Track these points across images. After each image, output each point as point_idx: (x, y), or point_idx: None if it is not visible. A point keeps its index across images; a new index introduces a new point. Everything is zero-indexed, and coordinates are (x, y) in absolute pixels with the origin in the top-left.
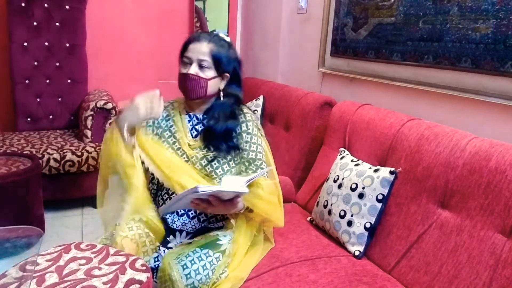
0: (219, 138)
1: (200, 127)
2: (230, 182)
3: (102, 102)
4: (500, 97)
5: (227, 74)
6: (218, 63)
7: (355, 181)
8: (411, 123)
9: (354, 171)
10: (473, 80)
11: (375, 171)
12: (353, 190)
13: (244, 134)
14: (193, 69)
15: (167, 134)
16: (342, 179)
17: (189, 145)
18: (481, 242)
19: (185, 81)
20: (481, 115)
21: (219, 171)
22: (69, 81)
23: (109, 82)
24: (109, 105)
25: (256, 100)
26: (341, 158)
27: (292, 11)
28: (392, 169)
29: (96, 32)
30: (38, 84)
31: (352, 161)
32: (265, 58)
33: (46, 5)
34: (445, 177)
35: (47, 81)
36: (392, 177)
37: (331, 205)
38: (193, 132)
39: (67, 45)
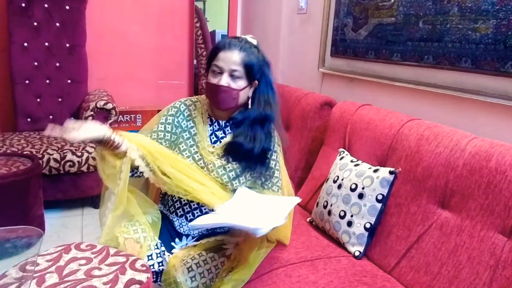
0: (253, 159)
1: (221, 134)
2: (267, 212)
3: (102, 102)
4: (500, 98)
5: (256, 81)
6: (250, 71)
7: (354, 181)
8: (411, 123)
9: (354, 171)
10: (473, 80)
11: (375, 171)
12: (352, 190)
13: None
14: (225, 80)
15: (186, 135)
16: (342, 179)
17: (208, 151)
18: (481, 243)
19: (216, 92)
20: (481, 115)
21: (235, 183)
22: (69, 81)
23: (109, 82)
24: (109, 105)
25: None
26: (341, 158)
27: (292, 11)
28: (392, 169)
29: (96, 32)
30: (38, 84)
31: (351, 161)
32: None
33: (46, 5)
34: (445, 177)
35: (47, 81)
36: (391, 177)
37: (331, 205)
38: (212, 138)
39: (67, 45)
